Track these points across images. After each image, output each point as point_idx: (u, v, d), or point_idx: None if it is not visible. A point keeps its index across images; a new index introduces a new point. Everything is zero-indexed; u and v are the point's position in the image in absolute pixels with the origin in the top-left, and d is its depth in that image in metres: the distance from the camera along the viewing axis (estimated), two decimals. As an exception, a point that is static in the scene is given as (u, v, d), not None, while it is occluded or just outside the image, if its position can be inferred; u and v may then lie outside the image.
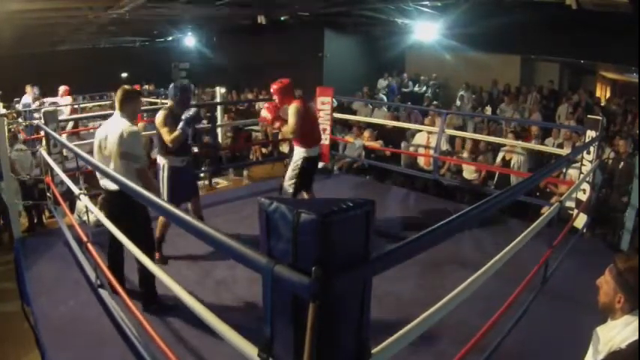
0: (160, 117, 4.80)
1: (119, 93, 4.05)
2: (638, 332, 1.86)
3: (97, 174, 4.04)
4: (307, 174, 5.51)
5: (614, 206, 6.57)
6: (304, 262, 1.36)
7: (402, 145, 9.26)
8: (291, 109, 5.18)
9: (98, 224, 4.48)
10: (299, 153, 5.40)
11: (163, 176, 4.90)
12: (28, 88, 13.22)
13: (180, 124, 4.67)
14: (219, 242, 1.71)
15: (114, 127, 3.90)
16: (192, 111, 4.74)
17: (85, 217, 4.63)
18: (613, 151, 8.11)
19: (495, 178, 7.89)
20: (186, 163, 4.98)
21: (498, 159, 8.03)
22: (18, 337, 4.58)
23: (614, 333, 1.94)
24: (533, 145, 8.29)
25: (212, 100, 12.70)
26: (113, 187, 3.86)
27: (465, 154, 8.24)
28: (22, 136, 9.21)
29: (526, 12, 10.18)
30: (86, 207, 4.16)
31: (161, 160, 4.93)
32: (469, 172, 8.23)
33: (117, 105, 4.02)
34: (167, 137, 4.70)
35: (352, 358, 1.51)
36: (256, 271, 1.50)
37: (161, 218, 4.87)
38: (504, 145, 8.13)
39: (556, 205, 3.84)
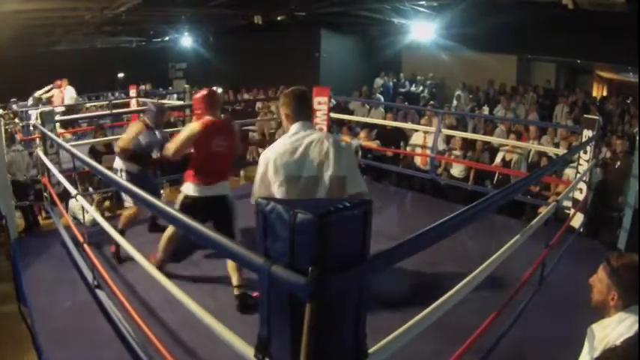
0: (133, 126, 5.13)
1: (288, 97, 3.07)
2: (632, 329, 1.87)
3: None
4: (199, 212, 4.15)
5: (610, 205, 6.58)
6: (301, 262, 1.36)
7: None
8: (187, 128, 4.30)
9: (94, 223, 4.48)
10: (183, 188, 4.30)
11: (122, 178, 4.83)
12: (64, 83, 13.43)
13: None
14: (217, 242, 1.71)
15: (320, 143, 2.92)
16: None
17: (80, 217, 4.63)
18: (610, 151, 8.13)
19: (495, 179, 7.90)
20: (140, 171, 5.16)
21: (498, 159, 8.03)
22: (15, 338, 4.57)
23: (609, 330, 1.95)
24: (529, 144, 8.30)
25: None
26: None
27: (457, 152, 8.25)
28: (18, 136, 9.20)
29: (522, 12, 10.19)
30: (82, 207, 4.16)
31: (118, 164, 5.14)
32: (458, 170, 8.25)
33: (291, 115, 3.03)
34: (122, 142, 5.00)
35: (349, 358, 1.51)
36: (253, 271, 1.50)
37: (127, 212, 5.02)
38: (501, 145, 8.15)
39: (553, 205, 3.84)
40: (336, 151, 2.89)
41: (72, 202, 5.47)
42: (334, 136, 3.04)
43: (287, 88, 3.24)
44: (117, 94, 17.46)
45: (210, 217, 4.16)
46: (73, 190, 4.38)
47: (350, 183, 2.94)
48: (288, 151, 2.90)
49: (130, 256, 3.85)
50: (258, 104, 13.47)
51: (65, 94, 13.40)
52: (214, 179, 4.25)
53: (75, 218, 5.48)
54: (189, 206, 4.11)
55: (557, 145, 8.42)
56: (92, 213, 3.89)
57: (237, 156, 4.63)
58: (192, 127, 4.18)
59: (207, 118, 4.21)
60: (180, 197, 4.26)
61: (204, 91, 4.37)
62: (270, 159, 2.92)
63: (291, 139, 2.94)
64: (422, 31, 13.65)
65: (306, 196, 2.89)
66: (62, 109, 12.78)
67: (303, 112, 3.03)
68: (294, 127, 2.99)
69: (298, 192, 2.88)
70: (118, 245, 4.65)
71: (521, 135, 9.18)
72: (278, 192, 2.89)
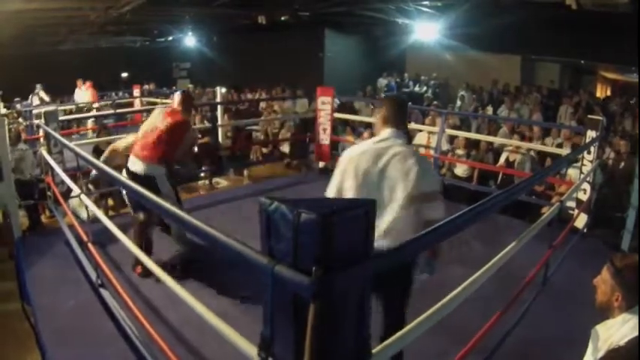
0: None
1: (389, 101, 3.06)
2: (636, 329, 1.87)
3: None
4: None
5: (614, 206, 6.57)
6: (305, 262, 1.36)
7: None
8: None
9: (95, 219, 4.48)
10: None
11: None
12: (79, 83, 14.07)
13: None
14: (220, 242, 1.71)
15: (404, 158, 2.77)
16: None
17: (80, 214, 4.64)
18: (613, 151, 8.11)
19: (499, 179, 7.88)
20: None
21: (502, 159, 8.02)
22: (19, 336, 4.58)
23: (613, 331, 1.95)
24: (532, 145, 8.28)
25: (213, 100, 12.71)
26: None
27: (460, 151, 8.25)
28: (23, 135, 9.22)
29: (526, 12, 10.17)
30: (84, 204, 4.18)
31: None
32: (462, 170, 8.25)
33: (389, 118, 2.93)
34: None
35: (353, 358, 1.51)
36: (257, 270, 1.50)
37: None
38: (505, 146, 8.14)
39: (556, 205, 3.84)
40: (420, 171, 2.74)
41: (72, 199, 5.48)
42: (419, 154, 2.95)
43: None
44: (120, 93, 17.49)
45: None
46: (76, 190, 4.40)
47: (428, 207, 2.76)
48: (372, 155, 2.81)
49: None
50: (262, 104, 13.49)
51: (83, 93, 13.82)
52: (136, 155, 4.58)
53: (75, 215, 5.47)
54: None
55: (560, 146, 8.41)
56: (95, 212, 3.89)
57: (172, 147, 4.65)
58: None
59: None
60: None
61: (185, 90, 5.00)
62: (354, 157, 2.85)
63: (378, 144, 2.86)
64: (426, 31, 13.62)
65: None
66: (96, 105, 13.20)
67: (400, 118, 2.95)
68: (387, 132, 2.89)
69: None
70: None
71: (525, 136, 9.16)
72: (349, 192, 2.84)
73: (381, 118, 2.94)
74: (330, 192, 2.92)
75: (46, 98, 14.16)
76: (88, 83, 14.94)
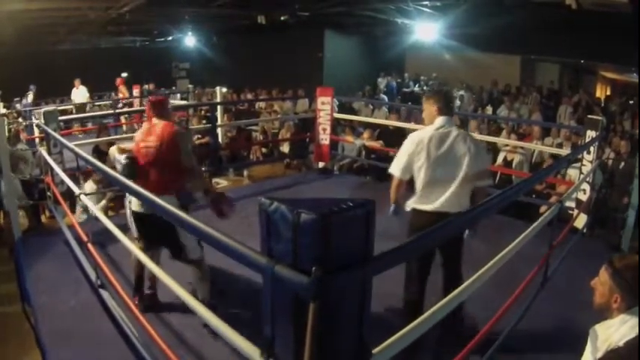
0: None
1: (440, 95, 3.53)
2: (635, 330, 1.86)
3: None
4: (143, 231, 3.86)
5: (614, 206, 6.58)
6: (304, 262, 1.36)
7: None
8: None
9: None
10: None
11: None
12: (77, 82, 14.10)
13: None
14: (220, 242, 1.71)
15: (463, 139, 3.38)
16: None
17: (92, 213, 4.66)
18: (613, 151, 8.12)
19: (497, 179, 7.89)
20: None
21: (500, 159, 8.02)
22: (19, 337, 4.58)
23: (612, 331, 1.94)
24: (532, 144, 8.29)
25: (212, 100, 12.72)
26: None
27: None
28: (23, 136, 9.22)
29: (526, 12, 10.18)
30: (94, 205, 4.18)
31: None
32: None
33: (442, 109, 3.45)
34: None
35: (353, 358, 1.51)
36: (257, 271, 1.50)
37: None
38: (503, 146, 8.15)
39: (556, 205, 3.84)
40: (476, 148, 3.36)
41: (84, 197, 5.42)
42: (472, 136, 3.50)
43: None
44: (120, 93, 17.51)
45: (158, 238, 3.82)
46: (76, 190, 4.40)
47: (481, 179, 3.43)
48: (438, 140, 3.35)
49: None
50: (261, 104, 13.48)
51: (80, 92, 13.81)
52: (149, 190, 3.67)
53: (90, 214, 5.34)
54: (137, 221, 3.82)
55: (560, 146, 8.41)
56: (95, 211, 3.89)
57: (174, 165, 3.78)
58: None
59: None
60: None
61: (151, 98, 4.09)
62: (423, 140, 3.37)
63: (438, 131, 3.38)
64: (425, 31, 13.63)
65: (439, 182, 3.33)
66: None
67: (450, 108, 3.51)
68: (441, 120, 3.41)
69: (435, 176, 3.34)
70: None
71: (524, 137, 9.17)
72: (418, 171, 3.40)
73: (436, 110, 3.45)
74: (395, 169, 3.50)
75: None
76: (119, 80, 15.25)
